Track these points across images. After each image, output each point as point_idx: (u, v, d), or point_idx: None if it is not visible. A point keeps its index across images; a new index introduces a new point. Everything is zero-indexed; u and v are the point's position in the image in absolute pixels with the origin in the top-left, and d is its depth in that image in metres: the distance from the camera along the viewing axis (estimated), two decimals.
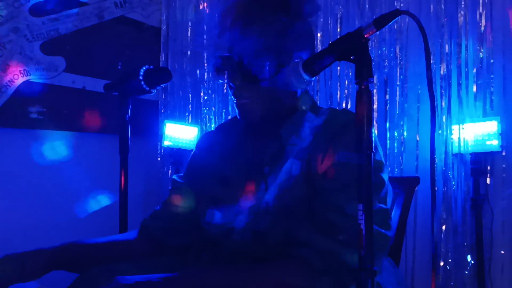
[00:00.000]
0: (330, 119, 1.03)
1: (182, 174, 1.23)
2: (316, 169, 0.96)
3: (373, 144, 0.96)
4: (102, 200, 2.25)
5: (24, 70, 2.05)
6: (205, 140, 1.23)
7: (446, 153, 2.00)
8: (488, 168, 1.95)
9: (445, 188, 2.00)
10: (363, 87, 0.75)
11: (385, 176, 0.97)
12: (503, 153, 1.91)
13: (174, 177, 1.22)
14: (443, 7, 2.05)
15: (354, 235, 0.84)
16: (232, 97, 1.03)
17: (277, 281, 0.90)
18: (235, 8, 0.99)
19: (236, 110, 1.04)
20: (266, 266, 0.92)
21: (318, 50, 0.84)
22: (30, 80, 2.07)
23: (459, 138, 1.96)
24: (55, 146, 2.16)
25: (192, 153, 1.24)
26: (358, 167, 0.75)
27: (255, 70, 0.97)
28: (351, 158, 0.93)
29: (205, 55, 2.54)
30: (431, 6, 2.08)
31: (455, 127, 1.99)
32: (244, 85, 0.99)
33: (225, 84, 1.06)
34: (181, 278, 0.88)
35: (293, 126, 1.04)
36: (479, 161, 1.94)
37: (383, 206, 0.96)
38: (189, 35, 2.65)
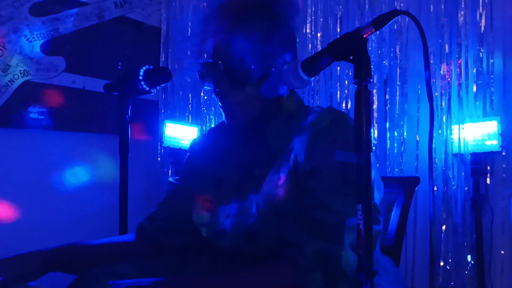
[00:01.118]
0: (317, 119, 1.02)
1: (178, 177, 1.24)
2: (303, 169, 0.97)
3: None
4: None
5: (24, 70, 2.05)
6: (198, 143, 1.24)
7: (446, 153, 2.00)
8: (488, 168, 1.95)
9: (445, 188, 2.00)
10: (361, 87, 0.75)
11: (372, 171, 0.97)
12: (503, 153, 1.91)
13: (170, 179, 1.23)
14: (443, 7, 2.05)
15: (340, 231, 0.83)
16: (219, 102, 1.04)
17: (267, 282, 0.90)
18: (217, 14, 1.00)
19: (223, 114, 1.04)
20: (255, 269, 0.93)
21: (318, 50, 0.84)
22: (30, 80, 2.07)
23: (459, 138, 1.96)
24: (55, 147, 2.16)
25: (186, 156, 1.25)
26: (358, 167, 0.75)
27: (240, 75, 0.97)
28: (335, 156, 0.93)
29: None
30: (431, 6, 2.08)
31: (455, 127, 1.98)
32: (230, 90, 1.00)
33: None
34: (171, 282, 0.89)
35: (280, 127, 1.05)
36: (479, 161, 1.93)
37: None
38: (189, 35, 2.65)
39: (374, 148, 2.14)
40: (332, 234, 0.88)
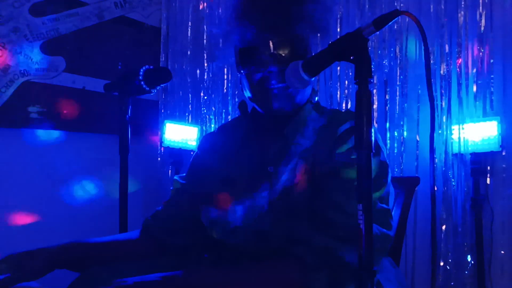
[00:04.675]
0: (334, 119, 1.03)
1: (183, 174, 1.23)
2: (320, 169, 0.97)
3: (378, 144, 0.97)
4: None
5: (24, 70, 2.05)
6: (207, 141, 1.23)
7: (446, 153, 2.00)
8: (488, 168, 1.95)
9: (445, 188, 2.00)
10: (362, 87, 0.75)
11: (388, 177, 0.98)
12: (503, 153, 1.91)
13: (176, 177, 1.22)
14: (443, 7, 2.05)
15: (353, 232, 0.84)
16: (275, 84, 0.99)
17: (273, 279, 0.90)
18: None
19: (274, 97, 1.01)
20: (262, 265, 0.93)
21: (318, 50, 0.84)
22: (30, 80, 2.07)
23: (459, 138, 1.96)
24: (55, 147, 2.16)
25: (194, 154, 1.24)
26: (359, 167, 0.75)
27: (304, 54, 1.00)
28: (354, 158, 0.93)
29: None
30: (431, 6, 2.07)
31: (455, 127, 1.98)
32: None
33: (244, 76, 1.04)
34: (179, 277, 0.88)
35: (297, 125, 1.04)
36: (479, 161, 1.93)
37: (385, 206, 0.97)
38: (189, 35, 2.65)
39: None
40: (343, 234, 0.88)
